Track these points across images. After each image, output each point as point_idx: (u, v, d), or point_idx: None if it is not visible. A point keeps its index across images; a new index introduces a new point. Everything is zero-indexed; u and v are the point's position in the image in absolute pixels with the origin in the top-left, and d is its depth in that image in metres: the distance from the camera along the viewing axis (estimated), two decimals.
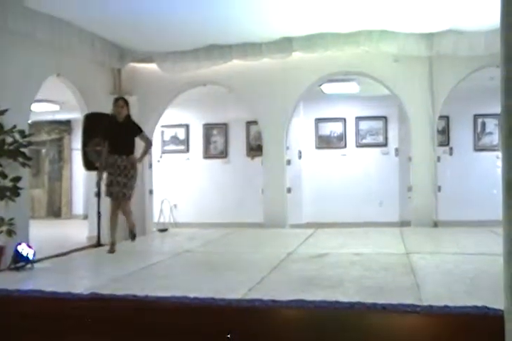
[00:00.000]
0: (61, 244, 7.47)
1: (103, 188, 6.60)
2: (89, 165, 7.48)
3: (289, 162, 8.96)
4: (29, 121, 6.68)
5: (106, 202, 7.83)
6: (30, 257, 5.16)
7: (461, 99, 9.09)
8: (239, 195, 10.72)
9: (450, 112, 9.89)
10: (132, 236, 6.55)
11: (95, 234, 7.37)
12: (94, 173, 7.59)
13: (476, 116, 10.48)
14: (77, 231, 8.90)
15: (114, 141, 6.31)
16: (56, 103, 10.50)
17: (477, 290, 3.77)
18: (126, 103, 6.48)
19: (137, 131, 6.56)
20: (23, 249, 5.16)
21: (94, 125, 7.55)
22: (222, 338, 3.14)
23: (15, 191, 5.59)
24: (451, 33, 7.39)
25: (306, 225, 9.64)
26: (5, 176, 5.53)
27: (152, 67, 8.44)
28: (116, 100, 6.54)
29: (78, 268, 5.86)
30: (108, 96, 8.48)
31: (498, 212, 2.29)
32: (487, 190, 9.24)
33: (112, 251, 6.25)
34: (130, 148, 6.41)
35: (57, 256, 6.12)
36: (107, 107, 8.08)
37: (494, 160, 9.83)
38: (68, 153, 13.00)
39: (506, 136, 2.19)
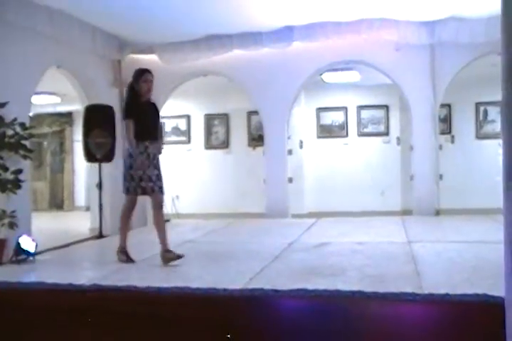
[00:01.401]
0: (63, 236, 7.48)
1: (125, 184, 4.97)
2: (90, 156, 7.49)
3: (290, 152, 8.95)
4: (30, 114, 6.67)
5: (108, 193, 7.88)
6: (32, 250, 5.18)
7: (462, 86, 9.04)
8: (241, 185, 10.72)
9: (452, 100, 9.83)
10: (170, 256, 4.77)
11: (97, 225, 7.39)
12: (95, 165, 7.59)
13: (477, 104, 10.42)
14: (79, 223, 8.91)
15: (145, 124, 4.94)
16: (57, 95, 10.49)
17: (478, 278, 3.77)
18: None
19: (158, 112, 5.27)
20: (25, 242, 5.18)
21: (95, 117, 7.57)
22: (224, 328, 3.15)
23: (16, 183, 5.59)
24: (452, 21, 7.34)
25: (308, 215, 9.64)
26: (6, 169, 5.53)
27: (152, 58, 8.40)
28: (143, 72, 5.06)
29: (80, 259, 5.88)
30: (108, 87, 8.47)
31: (499, 200, 2.28)
32: (489, 178, 9.20)
33: (126, 259, 4.95)
34: (158, 133, 5.15)
35: (59, 248, 6.14)
36: (107, 99, 8.10)
37: (496, 148, 9.79)
38: (70, 145, 12.99)
39: (507, 124, 2.17)
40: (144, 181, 4.85)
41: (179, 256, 4.73)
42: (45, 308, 3.37)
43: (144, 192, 4.93)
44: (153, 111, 5.12)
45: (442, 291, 3.26)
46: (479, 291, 3.17)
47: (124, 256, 4.97)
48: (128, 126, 4.90)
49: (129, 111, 4.97)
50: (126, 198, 5.06)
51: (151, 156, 4.93)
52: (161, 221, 5.03)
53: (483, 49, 7.42)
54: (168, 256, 4.75)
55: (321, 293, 3.38)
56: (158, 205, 5.06)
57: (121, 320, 3.21)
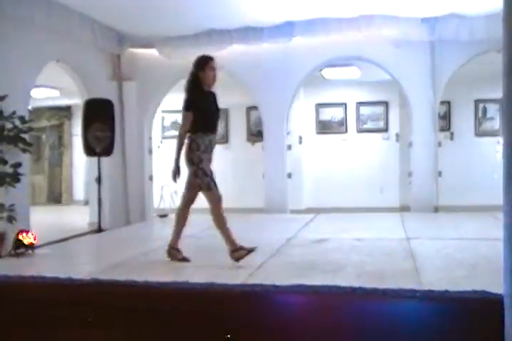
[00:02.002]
0: (62, 230, 7.49)
1: (196, 180, 4.67)
2: (89, 150, 7.48)
3: (289, 147, 8.95)
4: (29, 107, 6.65)
5: (107, 188, 7.88)
6: (31, 243, 5.18)
7: (462, 84, 9.04)
8: (240, 180, 10.72)
9: (451, 97, 9.83)
10: (241, 255, 4.46)
11: (96, 219, 7.39)
12: (94, 159, 7.58)
13: (477, 101, 10.42)
14: (77, 217, 8.92)
15: (210, 116, 4.67)
16: (56, 89, 10.46)
17: (477, 275, 3.79)
18: None
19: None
20: (24, 235, 5.17)
21: (95, 110, 7.55)
22: (223, 323, 3.15)
23: (15, 177, 5.59)
24: (453, 18, 7.33)
25: (307, 210, 9.65)
26: (5, 162, 5.53)
27: (152, 52, 8.40)
28: (209, 59, 4.72)
29: (79, 253, 5.88)
30: (108, 81, 8.45)
31: (499, 197, 2.29)
32: (488, 175, 9.20)
33: (179, 257, 4.71)
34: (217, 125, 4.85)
35: (57, 242, 6.14)
36: (106, 93, 8.09)
37: (495, 146, 9.80)
38: (68, 138, 12.97)
39: (507, 121, 2.18)
40: (207, 175, 4.63)
41: (251, 250, 4.42)
42: (44, 302, 3.37)
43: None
44: (215, 101, 4.81)
45: (442, 288, 3.27)
46: (478, 288, 3.18)
47: (179, 254, 4.75)
48: (187, 118, 4.57)
49: (192, 103, 4.59)
50: (208, 193, 4.78)
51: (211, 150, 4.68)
52: (219, 219, 4.79)
53: (483, 46, 7.41)
54: (238, 255, 4.45)
55: (320, 289, 3.39)
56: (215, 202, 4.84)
57: (121, 314, 3.21)
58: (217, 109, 4.80)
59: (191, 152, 4.57)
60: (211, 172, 4.67)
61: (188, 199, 4.88)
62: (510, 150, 2.17)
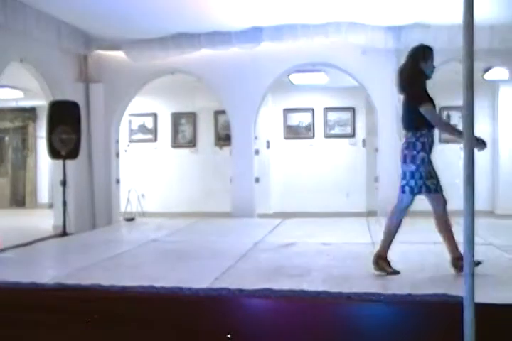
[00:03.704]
0: (25, 233, 7.35)
1: (417, 183, 4.24)
2: (55, 153, 7.36)
3: (257, 152, 8.99)
4: None
5: (72, 190, 7.77)
6: None
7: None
8: (207, 184, 10.71)
9: None
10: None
11: (61, 223, 7.27)
12: (59, 162, 7.46)
13: (441, 109, 10.64)
14: (42, 220, 8.76)
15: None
16: (20, 89, 10.26)
17: (440, 278, 3.87)
18: None
19: None
20: None
21: (60, 113, 7.43)
22: (189, 327, 3.15)
23: None
24: (418, 27, 7.48)
25: (274, 215, 9.69)
26: None
27: (119, 54, 8.32)
28: (431, 51, 4.45)
29: (43, 258, 5.77)
30: (74, 83, 8.35)
31: (460, 203, 2.35)
32: (451, 180, 9.40)
33: (389, 270, 4.13)
34: None
35: (21, 246, 6.01)
36: (73, 94, 7.99)
37: (458, 152, 10.01)
38: (33, 141, 12.74)
39: (467, 130, 2.26)
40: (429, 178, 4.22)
41: (479, 263, 3.74)
42: (6, 307, 3.31)
43: (429, 191, 4.27)
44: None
45: (405, 291, 3.33)
46: (440, 291, 3.26)
47: (388, 266, 4.17)
48: (434, 111, 4.23)
49: (426, 95, 4.24)
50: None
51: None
52: (444, 225, 4.34)
53: (447, 55, 7.55)
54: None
55: (286, 293, 3.41)
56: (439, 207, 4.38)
57: (85, 318, 3.18)
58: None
59: (423, 151, 4.21)
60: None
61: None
62: (470, 157, 2.24)
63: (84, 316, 3.22)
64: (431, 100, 4.26)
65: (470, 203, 2.24)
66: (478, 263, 3.78)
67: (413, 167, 4.17)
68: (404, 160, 4.23)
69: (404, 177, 4.23)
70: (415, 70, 4.32)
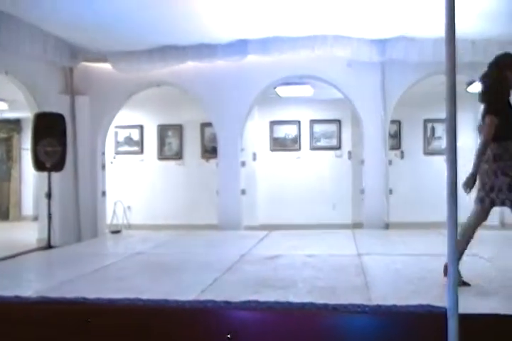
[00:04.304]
0: (9, 246, 7.26)
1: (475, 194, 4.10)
2: (39, 165, 7.31)
3: (243, 164, 9.00)
4: None
5: (57, 203, 7.71)
6: None
7: (412, 104, 9.34)
8: (193, 196, 10.70)
9: (402, 117, 10.14)
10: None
11: (45, 236, 7.20)
12: (44, 174, 7.41)
13: (426, 121, 10.78)
14: (26, 233, 8.67)
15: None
16: (4, 101, 10.21)
17: (424, 290, 3.88)
18: None
19: None
20: None
21: (45, 124, 7.40)
22: (175, 339, 3.13)
23: None
24: (402, 40, 7.58)
25: (260, 227, 9.69)
26: None
27: (106, 66, 8.32)
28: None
29: (27, 271, 5.71)
30: (60, 95, 8.33)
31: (445, 214, 2.38)
32: (436, 192, 9.49)
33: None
34: None
35: (4, 259, 5.95)
36: (58, 107, 7.95)
37: (443, 164, 10.08)
38: (17, 152, 12.65)
39: (450, 142, 2.29)
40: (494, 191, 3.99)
41: (466, 284, 3.85)
42: None
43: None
44: None
45: (390, 302, 3.35)
46: (425, 302, 3.27)
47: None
48: (493, 122, 3.94)
49: (500, 105, 4.00)
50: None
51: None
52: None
53: (431, 68, 7.68)
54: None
55: (272, 305, 3.41)
56: None
57: (70, 332, 3.14)
58: None
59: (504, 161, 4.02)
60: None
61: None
62: (453, 168, 2.28)
63: (69, 329, 3.19)
64: (507, 109, 4.03)
65: (453, 214, 2.27)
66: (465, 283, 3.86)
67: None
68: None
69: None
70: (500, 76, 4.07)
